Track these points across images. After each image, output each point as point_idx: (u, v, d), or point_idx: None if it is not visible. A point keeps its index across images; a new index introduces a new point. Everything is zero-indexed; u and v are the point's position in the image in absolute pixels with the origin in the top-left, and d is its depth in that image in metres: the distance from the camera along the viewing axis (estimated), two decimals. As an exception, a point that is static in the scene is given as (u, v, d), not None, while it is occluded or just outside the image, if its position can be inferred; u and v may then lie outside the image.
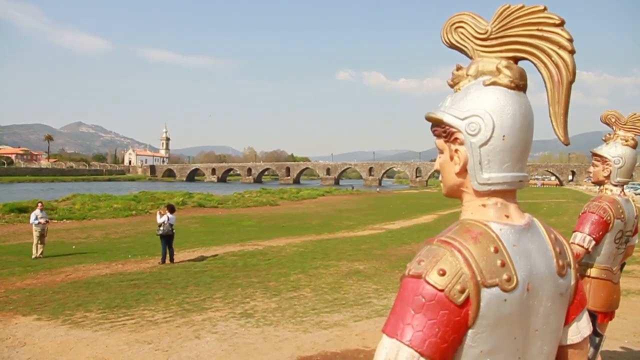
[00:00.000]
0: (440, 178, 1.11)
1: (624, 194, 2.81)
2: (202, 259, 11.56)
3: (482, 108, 0.98)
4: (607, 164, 2.77)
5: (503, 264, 0.93)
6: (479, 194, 1.01)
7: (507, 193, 1.02)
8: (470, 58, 1.07)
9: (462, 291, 0.89)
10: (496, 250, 0.94)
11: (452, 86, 1.08)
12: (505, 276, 0.92)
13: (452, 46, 1.09)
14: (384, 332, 0.92)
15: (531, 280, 0.96)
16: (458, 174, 1.03)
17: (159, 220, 11.21)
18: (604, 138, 2.84)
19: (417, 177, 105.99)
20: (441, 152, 1.06)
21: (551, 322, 1.02)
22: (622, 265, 3.03)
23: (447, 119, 1.02)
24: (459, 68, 1.07)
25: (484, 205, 1.01)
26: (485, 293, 0.90)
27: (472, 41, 1.05)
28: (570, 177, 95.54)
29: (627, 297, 6.96)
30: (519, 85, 1.00)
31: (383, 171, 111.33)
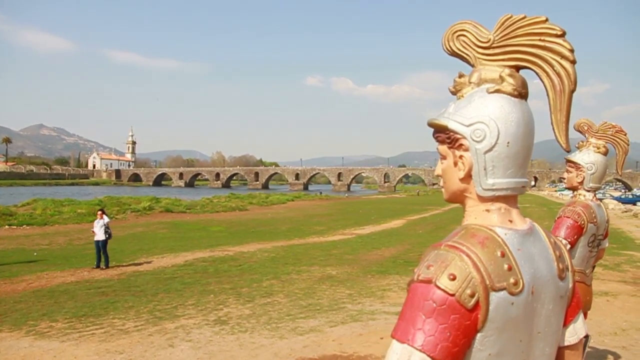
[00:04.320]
0: (441, 183, 1.12)
1: (596, 199, 2.93)
2: (171, 265, 11.33)
3: (486, 115, 1.00)
4: (581, 170, 2.87)
5: (510, 268, 0.95)
6: (482, 199, 1.03)
7: (510, 198, 1.04)
8: (472, 66, 1.08)
9: (472, 295, 0.90)
10: (503, 255, 0.95)
11: (454, 93, 1.09)
12: (512, 280, 0.94)
13: (453, 54, 1.10)
14: (394, 337, 0.92)
15: (535, 283, 0.99)
16: (462, 180, 1.04)
17: (102, 222, 11.39)
18: (577, 145, 2.95)
19: (385, 182, 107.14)
20: (443, 158, 1.07)
21: (552, 324, 1.05)
22: (593, 267, 3.14)
23: (452, 125, 1.03)
24: (461, 75, 1.09)
25: (487, 211, 1.03)
26: (494, 297, 0.92)
27: (474, 49, 1.07)
28: (532, 183, 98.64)
29: (591, 298, 7.20)
30: (522, 93, 1.02)
31: (352, 176, 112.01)
